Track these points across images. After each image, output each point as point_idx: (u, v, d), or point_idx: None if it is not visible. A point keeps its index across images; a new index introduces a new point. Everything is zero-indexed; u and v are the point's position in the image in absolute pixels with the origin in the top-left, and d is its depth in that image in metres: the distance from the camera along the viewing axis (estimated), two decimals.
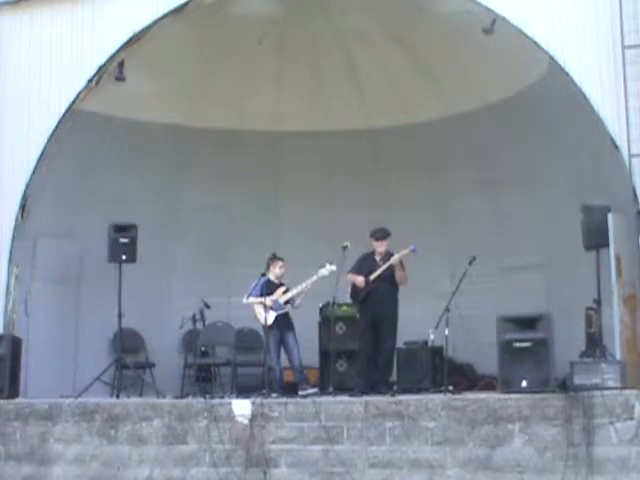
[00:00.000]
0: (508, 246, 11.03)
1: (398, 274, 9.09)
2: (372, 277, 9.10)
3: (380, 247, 9.19)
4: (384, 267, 9.08)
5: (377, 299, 9.10)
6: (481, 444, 7.32)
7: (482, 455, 7.31)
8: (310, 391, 8.86)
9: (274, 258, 9.63)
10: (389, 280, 9.11)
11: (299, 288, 9.43)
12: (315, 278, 9.29)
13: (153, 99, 10.96)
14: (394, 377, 9.70)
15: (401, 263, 9.12)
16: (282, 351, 9.42)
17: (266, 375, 9.16)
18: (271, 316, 9.29)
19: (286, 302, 9.45)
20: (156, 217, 11.30)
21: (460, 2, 9.27)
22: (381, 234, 9.20)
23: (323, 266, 9.23)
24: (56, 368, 9.97)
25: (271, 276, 9.59)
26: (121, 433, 8.33)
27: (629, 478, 6.95)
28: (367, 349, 9.16)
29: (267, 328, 9.22)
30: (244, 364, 10.49)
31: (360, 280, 9.11)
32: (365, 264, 9.22)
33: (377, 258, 9.22)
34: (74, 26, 10.06)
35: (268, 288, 9.46)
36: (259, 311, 9.32)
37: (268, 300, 9.33)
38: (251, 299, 9.38)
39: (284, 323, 9.42)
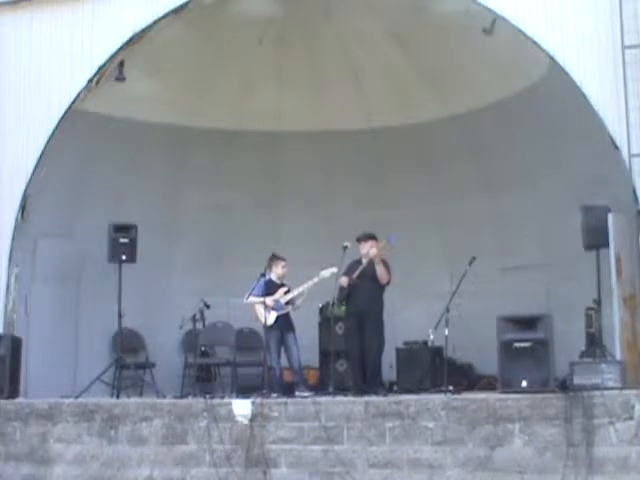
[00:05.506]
0: (508, 246, 11.02)
1: (378, 270, 9.08)
2: (355, 275, 9.14)
3: (363, 249, 9.25)
4: (365, 263, 9.15)
5: (359, 297, 9.14)
6: (481, 444, 7.32)
7: (482, 455, 7.31)
8: (306, 394, 8.81)
9: (276, 258, 9.62)
10: (372, 278, 9.12)
11: (300, 289, 9.44)
12: (316, 280, 9.31)
13: (153, 99, 10.95)
14: (394, 377, 9.73)
15: (383, 261, 9.13)
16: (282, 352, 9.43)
17: (266, 375, 9.16)
18: (272, 316, 9.29)
19: (287, 302, 9.46)
20: (156, 217, 11.28)
21: (460, 2, 9.28)
22: (362, 236, 9.27)
23: (325, 268, 9.24)
24: (56, 368, 9.98)
25: (273, 276, 9.59)
26: (121, 433, 8.33)
27: (629, 478, 6.95)
28: (353, 349, 9.19)
29: (268, 328, 9.22)
30: (244, 364, 10.48)
31: (343, 280, 9.15)
32: (352, 268, 9.26)
33: (363, 260, 9.26)
34: (74, 26, 10.06)
35: (270, 288, 9.46)
36: (260, 311, 9.32)
37: (269, 300, 9.34)
38: (252, 299, 9.37)
39: (285, 324, 9.43)
